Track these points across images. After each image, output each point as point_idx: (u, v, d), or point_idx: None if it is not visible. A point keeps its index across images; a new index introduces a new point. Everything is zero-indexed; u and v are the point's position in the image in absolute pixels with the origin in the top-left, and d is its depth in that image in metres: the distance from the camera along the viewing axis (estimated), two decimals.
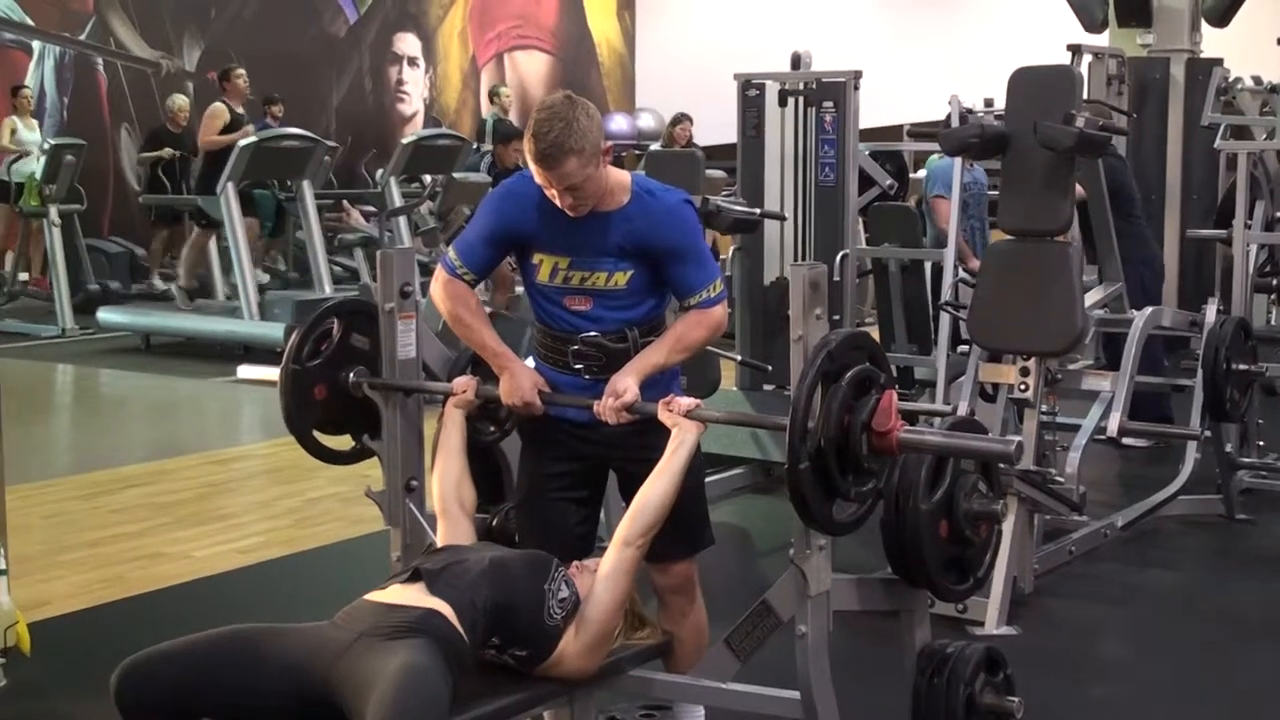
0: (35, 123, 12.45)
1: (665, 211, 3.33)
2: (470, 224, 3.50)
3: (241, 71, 11.66)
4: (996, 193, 5.70)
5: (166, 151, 12.34)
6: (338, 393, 3.67)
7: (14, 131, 12.05)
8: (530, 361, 3.52)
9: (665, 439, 3.22)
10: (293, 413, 3.65)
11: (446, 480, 3.45)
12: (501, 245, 3.43)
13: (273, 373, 3.70)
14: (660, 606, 3.53)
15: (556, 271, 3.36)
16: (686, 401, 3.24)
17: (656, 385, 3.36)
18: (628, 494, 3.38)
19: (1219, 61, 9.20)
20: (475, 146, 13.08)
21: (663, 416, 3.23)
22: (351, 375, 3.66)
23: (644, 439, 3.31)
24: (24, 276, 12.40)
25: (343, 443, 3.82)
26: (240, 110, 11.42)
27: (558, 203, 3.26)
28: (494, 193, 3.50)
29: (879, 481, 3.05)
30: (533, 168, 3.24)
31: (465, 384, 3.53)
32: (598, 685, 3.29)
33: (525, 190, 3.35)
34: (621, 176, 3.35)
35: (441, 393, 3.61)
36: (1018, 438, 3.15)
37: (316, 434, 3.76)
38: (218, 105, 11.33)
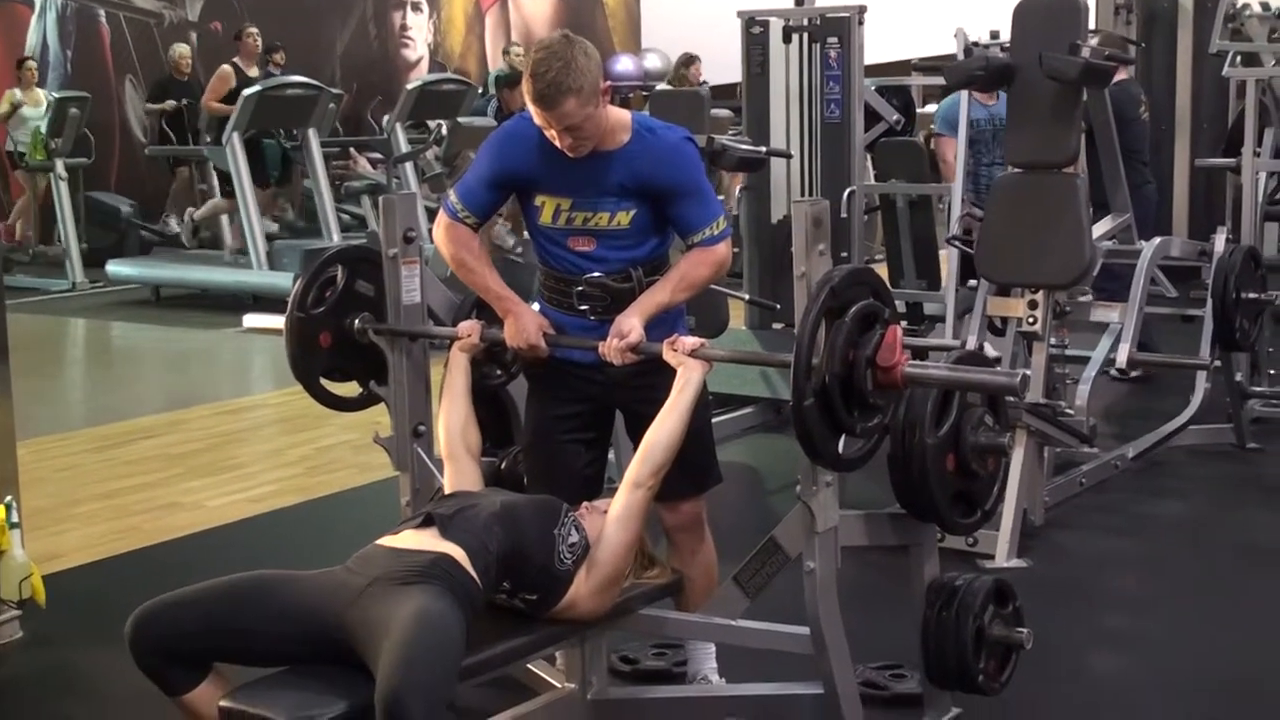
0: (41, 94, 12.22)
1: (667, 149, 3.32)
2: (471, 167, 3.47)
3: (254, 31, 11.57)
4: None
5: (169, 103, 12.26)
6: (343, 339, 3.68)
7: (14, 105, 11.91)
8: (535, 305, 3.52)
9: (671, 379, 3.22)
10: (299, 360, 3.67)
11: (452, 425, 3.45)
12: (503, 188, 3.41)
13: (278, 321, 3.71)
14: (670, 545, 3.55)
15: (559, 213, 3.35)
16: (691, 341, 3.24)
17: (662, 325, 3.35)
18: (635, 435, 3.39)
19: None
20: (480, 91, 13.01)
21: (667, 356, 3.23)
22: (356, 321, 3.67)
23: (650, 379, 3.30)
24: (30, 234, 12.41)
25: (350, 390, 3.83)
26: (253, 72, 11.33)
27: (557, 143, 3.24)
28: (494, 135, 3.48)
29: (884, 417, 3.04)
30: (531, 108, 3.22)
31: (470, 328, 3.53)
32: (609, 625, 3.32)
33: (525, 131, 3.33)
34: (621, 115, 3.33)
35: (446, 337, 3.62)
36: (1023, 370, 3.13)
37: (324, 381, 3.77)
38: (225, 68, 11.26)
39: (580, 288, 3.37)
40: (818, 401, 2.89)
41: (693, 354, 3.22)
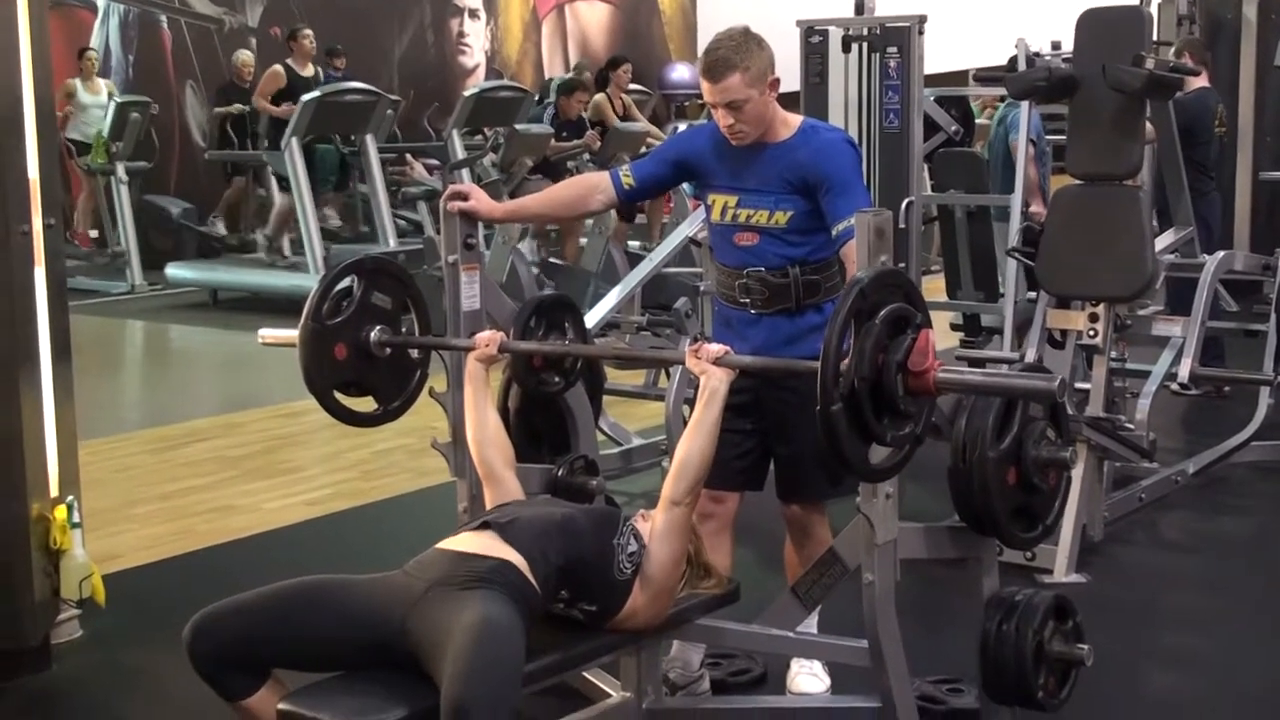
0: (102, 84, 12.40)
1: (828, 144, 3.51)
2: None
3: (309, 32, 11.63)
4: (1057, 137, 5.62)
5: (236, 107, 12.35)
6: (359, 352, 3.56)
7: (71, 95, 12.02)
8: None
9: (813, 384, 2.83)
10: (313, 372, 3.51)
11: (484, 443, 3.36)
12: (671, 165, 3.68)
13: (293, 334, 3.59)
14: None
15: (726, 210, 3.57)
16: (715, 348, 3.13)
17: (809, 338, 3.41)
18: (774, 429, 3.58)
19: None
20: (537, 99, 13.04)
21: (690, 364, 3.14)
22: (373, 334, 3.57)
23: (792, 381, 3.38)
24: (94, 234, 12.53)
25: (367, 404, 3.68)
26: (307, 73, 11.37)
27: (721, 123, 3.45)
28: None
29: (916, 426, 2.88)
30: (702, 86, 3.46)
31: (488, 338, 3.42)
32: (666, 634, 3.30)
33: (707, 129, 3.62)
34: (791, 116, 3.55)
35: (460, 348, 3.51)
36: (1061, 375, 3.02)
37: (339, 395, 3.61)
38: (276, 68, 11.32)
39: (742, 280, 3.56)
40: (846, 406, 2.72)
41: (716, 362, 3.10)
